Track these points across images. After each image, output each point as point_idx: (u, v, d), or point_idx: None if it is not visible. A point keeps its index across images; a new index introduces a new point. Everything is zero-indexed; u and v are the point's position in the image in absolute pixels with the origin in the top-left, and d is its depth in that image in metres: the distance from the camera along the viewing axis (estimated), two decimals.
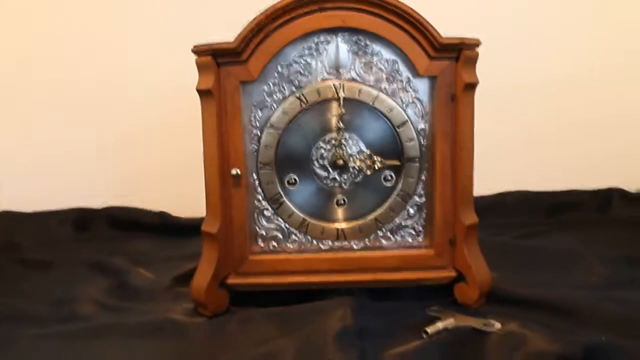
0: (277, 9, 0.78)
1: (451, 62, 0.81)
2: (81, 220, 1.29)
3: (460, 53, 0.81)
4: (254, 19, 0.78)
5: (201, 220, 1.29)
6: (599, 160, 1.38)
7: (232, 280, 0.84)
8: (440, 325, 0.77)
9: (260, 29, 0.79)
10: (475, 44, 0.82)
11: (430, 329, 0.76)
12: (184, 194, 1.37)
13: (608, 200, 1.32)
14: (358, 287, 0.86)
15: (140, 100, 1.38)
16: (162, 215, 1.32)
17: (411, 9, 0.79)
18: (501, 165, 1.34)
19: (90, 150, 1.38)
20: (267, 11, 0.78)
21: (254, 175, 0.84)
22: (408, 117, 0.84)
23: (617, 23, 1.37)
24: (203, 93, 0.82)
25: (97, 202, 1.33)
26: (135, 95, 1.38)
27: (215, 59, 0.80)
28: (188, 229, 1.29)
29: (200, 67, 0.82)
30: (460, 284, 0.85)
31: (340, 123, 0.83)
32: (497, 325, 0.77)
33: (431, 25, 0.79)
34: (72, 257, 1.11)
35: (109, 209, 1.32)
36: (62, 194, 1.33)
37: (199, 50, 0.81)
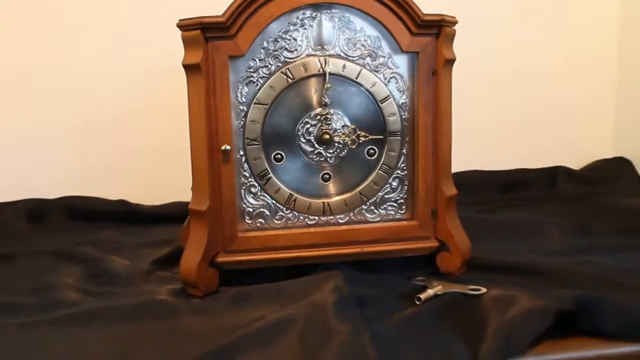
0: None
1: (432, 38, 0.85)
2: (37, 212, 1.23)
3: (440, 30, 0.84)
4: None
5: (163, 207, 1.30)
6: (547, 143, 1.47)
7: (221, 259, 0.83)
8: (430, 291, 0.80)
9: (250, 3, 0.79)
10: (454, 21, 0.85)
11: (422, 296, 0.79)
12: (142, 182, 1.34)
13: (555, 178, 1.41)
14: (344, 261, 0.87)
15: (94, 86, 1.33)
16: (122, 203, 1.28)
17: None
18: (456, 147, 1.40)
19: (42, 140, 1.32)
20: None
21: (241, 151, 0.84)
22: (390, 92, 0.87)
23: (571, 20, 1.46)
24: (190, 68, 0.81)
25: (52, 192, 1.27)
26: (89, 82, 1.33)
27: (204, 33, 0.79)
28: (150, 216, 1.27)
29: (188, 41, 0.80)
30: (442, 253, 0.89)
31: (326, 98, 0.85)
32: (483, 289, 0.81)
33: (413, 2, 0.82)
34: (35, 248, 1.05)
35: (65, 198, 1.26)
36: (13, 185, 1.27)
37: (186, 24, 0.80)
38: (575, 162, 1.46)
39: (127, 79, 1.33)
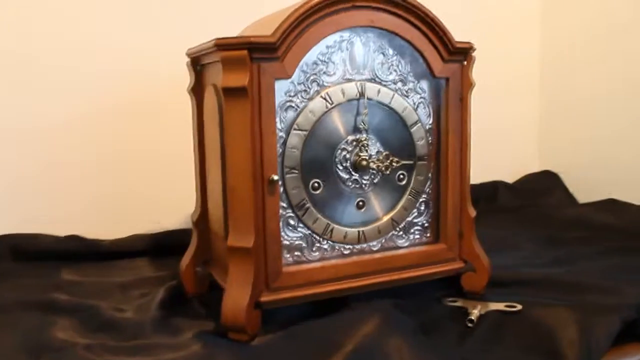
0: (315, 4, 0.74)
1: (459, 65, 0.87)
2: None
3: (467, 56, 0.87)
4: (293, 13, 0.73)
5: (123, 241, 1.16)
6: (483, 160, 1.56)
7: (265, 298, 0.77)
8: (475, 312, 0.82)
9: (299, 24, 0.74)
10: (475, 48, 0.88)
11: (473, 317, 0.80)
12: (94, 213, 1.19)
13: (495, 191, 1.51)
14: (379, 289, 0.85)
15: (39, 101, 1.16)
16: (76, 239, 1.12)
17: (431, 12, 0.82)
18: None
19: None
20: (305, 6, 0.74)
21: (279, 181, 0.78)
22: (419, 116, 0.87)
23: (497, 53, 1.55)
24: (233, 91, 0.73)
25: None
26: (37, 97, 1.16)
27: (250, 53, 0.72)
28: (109, 252, 1.13)
29: (230, 62, 0.73)
30: (467, 273, 0.90)
31: (364, 124, 0.82)
32: (518, 306, 0.84)
33: (448, 30, 0.83)
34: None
35: (8, 237, 1.07)
36: None
37: (229, 44, 0.72)
38: (509, 176, 1.58)
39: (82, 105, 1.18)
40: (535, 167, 1.60)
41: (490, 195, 1.50)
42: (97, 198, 1.19)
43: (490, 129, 1.56)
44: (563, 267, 1.02)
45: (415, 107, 0.86)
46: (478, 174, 1.50)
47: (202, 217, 0.92)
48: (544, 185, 1.53)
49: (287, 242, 0.80)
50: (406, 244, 0.89)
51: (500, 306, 0.84)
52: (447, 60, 0.85)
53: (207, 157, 0.90)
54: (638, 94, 1.35)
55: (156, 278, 1.01)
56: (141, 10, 1.21)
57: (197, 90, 0.90)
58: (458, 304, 0.86)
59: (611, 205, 1.35)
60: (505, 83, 1.55)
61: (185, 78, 0.92)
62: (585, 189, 1.48)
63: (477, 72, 1.54)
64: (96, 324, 0.82)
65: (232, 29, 0.93)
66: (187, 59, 0.90)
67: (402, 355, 0.69)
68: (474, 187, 1.48)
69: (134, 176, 1.22)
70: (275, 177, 0.75)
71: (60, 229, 1.14)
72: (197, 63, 0.89)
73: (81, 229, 1.15)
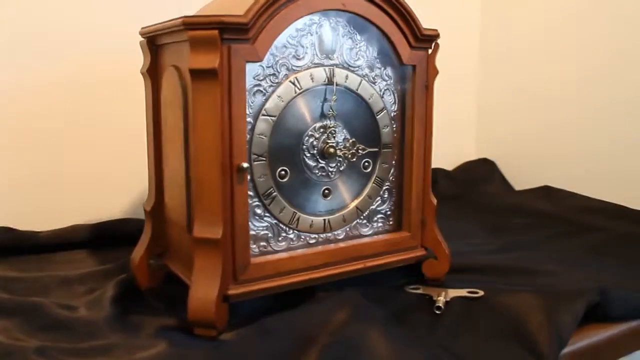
0: None
1: (425, 52, 0.86)
2: None
3: (433, 44, 0.86)
4: None
5: (61, 232, 1.08)
6: None
7: (233, 291, 0.73)
8: (442, 299, 0.82)
9: (271, 5, 0.70)
10: (439, 35, 0.88)
11: (441, 304, 0.80)
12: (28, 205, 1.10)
13: (435, 179, 1.53)
14: (344, 279, 0.84)
15: None
16: (8, 231, 1.03)
17: None
18: None
19: None
20: None
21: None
22: (384, 103, 0.86)
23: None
24: (201, 73, 0.69)
25: None
26: None
27: (221, 34, 0.68)
28: (47, 245, 1.04)
29: (199, 42, 0.68)
30: (429, 260, 0.91)
31: (333, 110, 0.80)
32: (480, 292, 0.86)
33: (416, 16, 0.83)
34: None
35: None
36: None
37: (198, 22, 0.68)
38: (448, 164, 1.61)
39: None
40: (472, 156, 1.65)
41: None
42: (28, 185, 1.10)
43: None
44: (513, 253, 1.06)
45: (382, 94, 0.85)
46: None
47: (157, 206, 0.87)
48: (482, 173, 1.57)
49: (254, 232, 0.77)
50: (370, 232, 0.88)
51: (462, 292, 0.86)
52: (415, 47, 0.84)
53: (164, 144, 0.84)
54: (574, 87, 1.42)
55: (102, 271, 0.94)
56: None
57: (152, 72, 0.84)
58: (421, 291, 0.87)
59: (546, 192, 1.41)
60: (446, 74, 1.57)
61: (136, 57, 0.86)
62: (520, 177, 1.54)
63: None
64: (43, 323, 0.75)
65: (187, 7, 0.88)
66: (141, 38, 0.84)
67: (379, 346, 0.68)
68: None
69: (70, 161, 1.13)
70: (245, 165, 0.72)
71: None
72: (154, 43, 0.83)
73: (12, 219, 1.06)
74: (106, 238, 1.10)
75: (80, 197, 1.14)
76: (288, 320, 0.75)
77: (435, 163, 1.55)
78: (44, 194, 1.11)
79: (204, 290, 0.71)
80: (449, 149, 1.61)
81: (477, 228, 1.23)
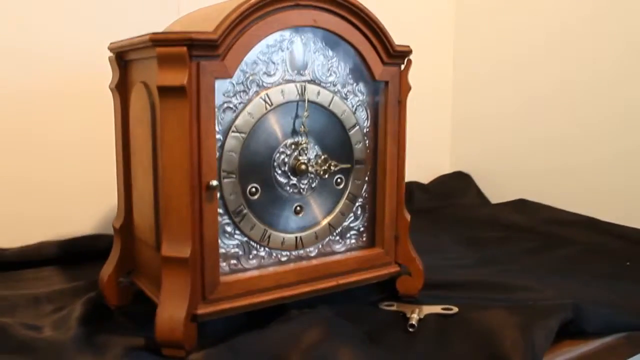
0: (258, 1, 0.71)
1: (398, 68, 0.86)
2: None
3: (405, 60, 0.86)
4: (236, 9, 0.69)
5: (28, 249, 1.06)
6: None
7: (202, 310, 0.72)
8: (415, 316, 0.82)
9: (241, 21, 0.70)
10: (411, 51, 0.88)
11: (414, 322, 0.80)
12: None
13: (411, 193, 1.54)
14: (318, 296, 0.83)
15: None
16: None
17: (373, 14, 0.81)
18: None
19: None
20: (249, 2, 0.70)
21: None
22: (357, 119, 0.85)
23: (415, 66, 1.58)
24: (169, 91, 0.68)
25: None
26: None
27: (190, 50, 0.67)
28: (13, 263, 1.02)
29: (167, 59, 0.67)
30: (402, 277, 0.90)
31: (304, 126, 0.80)
32: (455, 308, 0.85)
33: (388, 33, 0.83)
34: None
35: None
36: None
37: (167, 39, 0.67)
38: (423, 177, 1.61)
39: None
40: (447, 169, 1.65)
41: (405, 196, 1.52)
42: None
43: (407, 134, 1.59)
44: (489, 268, 1.06)
45: (354, 109, 0.85)
46: None
47: (126, 223, 0.85)
48: (457, 186, 1.58)
49: (223, 250, 0.76)
50: (343, 249, 0.87)
51: (436, 309, 0.85)
52: (387, 63, 0.84)
53: (133, 161, 0.83)
54: (545, 102, 1.43)
55: (71, 289, 0.92)
56: None
57: (121, 88, 0.83)
58: (394, 308, 0.86)
59: (521, 205, 1.42)
60: (420, 89, 1.58)
61: (106, 72, 0.85)
62: (495, 190, 1.55)
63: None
64: (8, 345, 0.73)
65: (154, 23, 0.87)
66: (110, 54, 0.83)
67: None
68: None
69: (40, 174, 1.11)
70: (215, 183, 0.71)
71: None
72: (122, 58, 0.82)
73: None
74: (76, 254, 1.08)
75: (49, 211, 1.11)
76: (259, 339, 0.74)
77: (411, 177, 1.58)
78: (11, 208, 1.08)
79: (171, 310, 0.70)
80: (424, 163, 1.62)
81: (453, 242, 1.23)
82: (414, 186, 1.56)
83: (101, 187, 1.13)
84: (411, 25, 1.54)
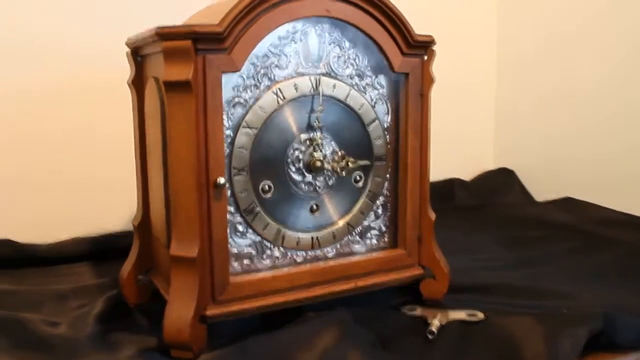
0: None
1: (420, 59, 0.82)
2: None
3: (428, 50, 0.82)
4: (242, 1, 0.67)
5: (62, 245, 1.08)
6: (440, 156, 1.52)
7: (212, 311, 0.70)
8: (436, 322, 0.77)
9: (248, 12, 0.68)
10: (435, 42, 0.83)
11: (434, 329, 0.76)
12: (28, 216, 1.10)
13: (451, 190, 1.48)
14: (337, 298, 0.80)
15: None
16: (8, 244, 1.03)
17: (391, 2, 0.77)
18: None
19: None
20: None
21: (227, 183, 0.72)
22: (376, 114, 0.82)
23: (455, 54, 1.51)
24: (175, 86, 0.67)
25: None
26: None
27: (195, 44, 0.66)
28: (47, 258, 1.04)
29: (173, 53, 0.66)
30: (427, 280, 0.86)
31: (318, 121, 0.77)
32: (480, 314, 0.81)
33: (408, 22, 0.79)
34: None
35: None
36: None
37: (172, 33, 0.66)
38: (465, 174, 1.55)
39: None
40: (491, 165, 1.58)
41: (446, 193, 1.47)
42: (32, 198, 1.10)
43: (446, 125, 1.53)
44: (524, 270, 1.00)
45: (373, 103, 0.81)
46: (432, 172, 1.48)
47: (143, 221, 0.85)
48: (501, 183, 1.51)
49: (235, 250, 0.74)
50: (363, 250, 0.84)
51: (461, 315, 0.80)
52: (407, 54, 0.80)
53: (149, 158, 0.82)
54: (592, 94, 1.35)
55: (97, 286, 0.93)
56: None
57: (137, 84, 0.82)
58: (417, 312, 0.82)
59: (568, 204, 1.34)
60: (462, 81, 1.52)
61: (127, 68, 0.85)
62: (541, 187, 1.47)
63: (434, 70, 1.49)
64: (24, 341, 0.73)
65: (180, 15, 0.86)
66: (127, 49, 0.83)
67: None
68: (430, 184, 1.47)
69: (74, 174, 1.13)
70: (222, 180, 0.69)
71: None
72: (138, 53, 0.81)
73: (15, 232, 1.06)
74: (109, 251, 1.09)
75: (83, 208, 1.13)
76: (270, 341, 0.72)
77: (452, 173, 1.52)
78: (46, 205, 1.11)
79: (179, 310, 0.68)
80: (466, 158, 1.56)
81: (490, 242, 1.17)
82: (455, 183, 1.50)
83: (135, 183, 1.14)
84: (452, 11, 1.48)
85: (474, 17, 1.55)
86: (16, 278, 0.96)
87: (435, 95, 1.47)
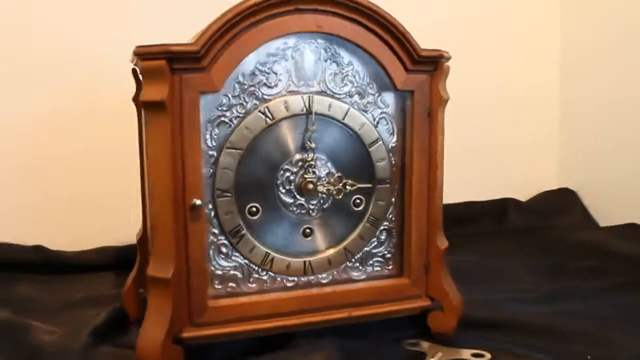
0: (248, 7, 0.66)
1: (428, 75, 0.76)
2: None
3: (436, 66, 0.76)
4: (221, 17, 0.65)
5: (88, 253, 1.11)
6: (493, 175, 1.43)
7: (188, 334, 0.69)
8: None
9: (227, 30, 0.65)
10: (449, 57, 0.77)
11: None
12: (61, 226, 1.15)
13: (504, 210, 1.38)
14: (328, 327, 0.76)
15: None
16: (40, 250, 1.08)
17: (391, 16, 0.72)
18: None
19: None
20: (236, 9, 0.65)
21: (210, 204, 0.70)
22: (379, 134, 0.77)
23: (515, 60, 1.42)
24: (151, 106, 0.66)
25: None
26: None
27: (170, 64, 0.64)
28: (74, 265, 1.08)
29: (149, 73, 0.66)
30: (434, 312, 0.80)
31: (311, 142, 0.73)
32: (487, 355, 0.73)
33: (411, 36, 0.73)
34: None
35: None
36: None
37: (146, 52, 0.65)
38: (522, 194, 1.44)
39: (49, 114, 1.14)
40: (553, 184, 1.46)
41: (498, 214, 1.37)
42: (67, 206, 1.15)
43: (504, 141, 1.44)
44: (557, 305, 0.90)
45: (376, 123, 0.76)
46: (486, 191, 1.39)
47: (144, 236, 0.85)
48: (560, 205, 1.38)
49: (220, 272, 0.72)
50: (363, 277, 0.79)
51: (466, 354, 0.74)
52: (412, 71, 0.75)
53: (145, 175, 0.82)
54: None
55: (109, 296, 0.95)
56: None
57: (138, 101, 0.82)
58: (418, 348, 0.76)
59: (631, 230, 1.20)
60: (522, 92, 1.42)
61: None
62: (608, 210, 1.33)
63: (492, 81, 1.42)
64: (16, 348, 0.76)
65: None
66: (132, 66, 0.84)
67: None
68: (480, 204, 1.38)
69: (103, 183, 1.17)
70: (198, 202, 0.67)
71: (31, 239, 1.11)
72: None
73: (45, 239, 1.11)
74: (133, 261, 1.11)
75: (111, 219, 1.16)
76: None
77: (507, 192, 1.42)
78: (77, 215, 1.15)
79: (152, 331, 0.67)
80: (524, 177, 1.44)
81: (529, 270, 1.07)
82: (508, 203, 1.40)
83: None
84: (512, 11, 1.38)
85: (534, 13, 1.44)
86: (40, 283, 1.01)
87: (489, 104, 1.40)
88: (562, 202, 1.39)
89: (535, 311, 0.87)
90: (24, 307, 0.90)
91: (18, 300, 0.93)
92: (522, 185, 1.44)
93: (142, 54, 0.65)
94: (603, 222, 1.33)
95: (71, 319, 0.87)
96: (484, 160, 1.43)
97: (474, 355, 0.73)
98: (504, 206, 1.39)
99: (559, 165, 1.47)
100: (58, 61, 1.14)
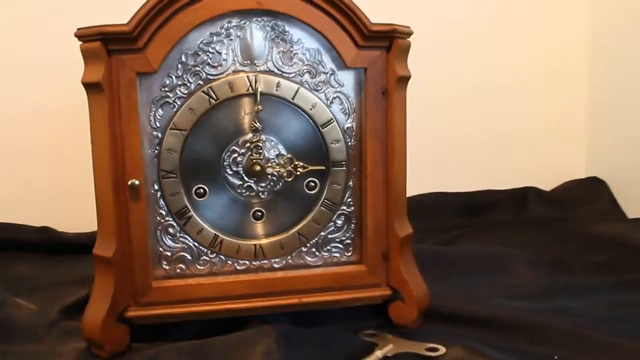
0: None
1: (382, 52, 0.72)
2: None
3: (392, 42, 0.72)
4: None
5: (92, 234, 1.15)
6: (516, 163, 1.35)
7: (132, 313, 0.70)
8: (379, 353, 0.68)
9: (161, 10, 0.65)
10: (408, 32, 0.73)
11: (371, 358, 0.67)
12: (69, 207, 1.20)
13: (524, 199, 1.30)
14: (280, 313, 0.75)
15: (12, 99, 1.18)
16: (46, 231, 1.13)
17: None
18: (417, 167, 1.29)
19: None
20: None
21: (155, 185, 0.71)
22: (333, 114, 0.74)
23: (542, 42, 1.34)
24: (91, 87, 0.67)
25: None
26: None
27: (106, 45, 0.65)
28: (77, 245, 1.12)
29: (87, 55, 0.67)
30: (395, 303, 0.76)
31: (257, 122, 0.72)
32: (442, 349, 0.69)
33: (359, 9, 0.70)
34: None
35: None
36: None
37: (84, 34, 0.66)
38: (546, 183, 1.35)
39: (53, 93, 1.19)
40: (580, 173, 1.36)
41: (517, 203, 1.29)
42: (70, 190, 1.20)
43: (528, 127, 1.36)
44: (551, 303, 0.84)
45: (329, 103, 0.74)
46: (510, 179, 1.32)
47: None
48: (587, 195, 1.29)
49: (168, 253, 0.73)
50: (319, 263, 0.77)
51: (420, 348, 0.70)
52: (362, 47, 0.71)
53: None
54: None
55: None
56: None
57: None
58: (372, 338, 0.73)
59: None
60: (547, 72, 1.33)
61: None
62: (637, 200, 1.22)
63: (515, 62, 1.34)
64: None
65: None
66: None
67: None
68: (499, 192, 1.31)
69: None
70: (137, 182, 0.68)
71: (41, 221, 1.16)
72: None
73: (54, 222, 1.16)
74: None
75: None
76: (189, 349, 0.69)
77: (531, 181, 1.34)
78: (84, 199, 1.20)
79: (95, 309, 0.69)
80: (550, 164, 1.35)
81: (532, 263, 0.99)
82: (529, 192, 1.31)
83: None
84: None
85: None
86: (39, 263, 1.05)
87: (514, 89, 1.32)
88: (589, 192, 1.29)
89: (521, 307, 0.82)
90: (17, 284, 0.94)
91: (14, 278, 0.97)
92: (548, 173, 1.35)
93: (80, 36, 0.66)
94: (633, 214, 1.22)
95: (53, 296, 0.90)
96: (508, 147, 1.36)
97: (428, 349, 0.70)
98: (524, 195, 1.31)
99: (587, 153, 1.36)
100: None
